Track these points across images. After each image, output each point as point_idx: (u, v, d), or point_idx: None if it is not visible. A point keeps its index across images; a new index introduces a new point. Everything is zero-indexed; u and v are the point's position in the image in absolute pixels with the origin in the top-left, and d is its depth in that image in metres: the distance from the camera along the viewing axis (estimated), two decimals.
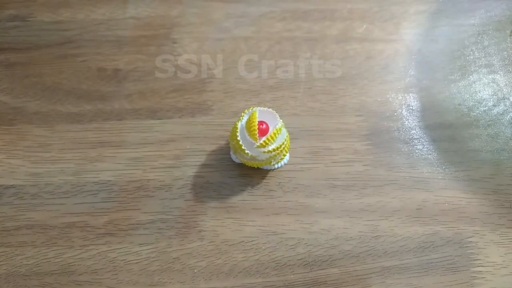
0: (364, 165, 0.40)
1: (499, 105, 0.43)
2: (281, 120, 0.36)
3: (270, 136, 0.35)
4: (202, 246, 0.38)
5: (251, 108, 0.37)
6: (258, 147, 0.35)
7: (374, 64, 0.44)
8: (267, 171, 0.40)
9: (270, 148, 0.35)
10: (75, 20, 0.46)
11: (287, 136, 0.37)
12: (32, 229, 0.38)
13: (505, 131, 0.42)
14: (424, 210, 0.39)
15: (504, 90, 0.43)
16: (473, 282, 0.36)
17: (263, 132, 0.36)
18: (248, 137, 0.35)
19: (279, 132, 0.35)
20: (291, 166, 0.40)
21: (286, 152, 0.38)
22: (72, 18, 0.47)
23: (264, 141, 0.35)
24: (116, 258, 0.37)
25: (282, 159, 0.38)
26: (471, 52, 0.45)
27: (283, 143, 0.36)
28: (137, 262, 0.37)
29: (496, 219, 0.38)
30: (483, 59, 0.45)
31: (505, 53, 0.45)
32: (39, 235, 0.38)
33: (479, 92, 0.43)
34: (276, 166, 0.39)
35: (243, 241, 0.38)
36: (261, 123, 0.36)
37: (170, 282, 0.37)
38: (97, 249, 0.38)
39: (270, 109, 0.37)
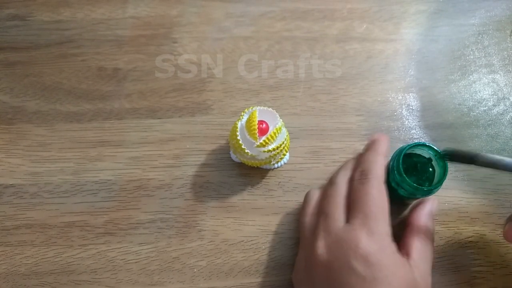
0: None
1: (499, 105, 0.43)
2: (281, 120, 0.36)
3: (270, 135, 0.35)
4: (201, 246, 0.38)
5: (251, 107, 0.37)
6: (258, 146, 0.35)
7: (374, 64, 0.44)
8: (267, 170, 0.40)
9: (270, 147, 0.35)
10: (74, 20, 0.46)
11: (287, 136, 0.37)
12: (32, 228, 0.38)
13: (505, 131, 0.42)
14: None
15: (504, 90, 0.43)
16: (473, 282, 0.36)
17: (263, 131, 0.36)
18: (248, 137, 0.35)
19: (279, 131, 0.35)
20: (291, 166, 0.40)
21: (286, 152, 0.38)
22: (71, 18, 0.47)
23: (264, 141, 0.35)
24: (115, 258, 0.37)
25: (282, 158, 0.38)
26: (471, 52, 0.45)
27: (283, 143, 0.36)
28: (136, 262, 0.37)
29: (496, 219, 0.38)
30: (483, 59, 0.45)
31: (505, 53, 0.45)
32: (38, 235, 0.38)
33: (479, 92, 0.43)
34: (276, 165, 0.39)
35: (242, 241, 0.38)
36: (261, 122, 0.36)
37: (170, 282, 0.37)
38: (96, 249, 0.38)
39: (270, 109, 0.37)
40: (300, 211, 0.36)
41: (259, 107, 0.37)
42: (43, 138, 0.41)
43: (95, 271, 0.37)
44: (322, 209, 0.32)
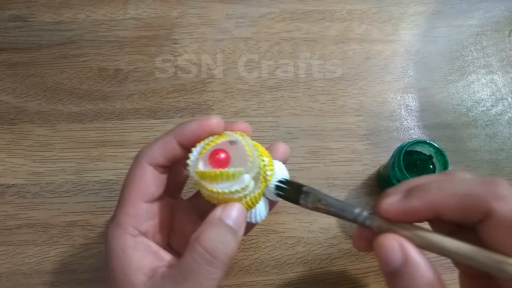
0: (363, 165, 0.41)
1: (497, 105, 0.43)
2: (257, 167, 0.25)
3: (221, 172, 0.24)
4: None
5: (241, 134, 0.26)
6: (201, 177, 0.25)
7: (373, 64, 0.45)
8: None
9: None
10: (76, 21, 0.47)
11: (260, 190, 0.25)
12: (34, 227, 0.39)
13: (503, 131, 0.42)
14: None
15: (503, 90, 0.44)
16: None
17: (221, 163, 0.25)
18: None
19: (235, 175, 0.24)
20: (291, 166, 0.40)
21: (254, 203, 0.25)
22: (73, 19, 0.47)
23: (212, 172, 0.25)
24: None
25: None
26: (469, 53, 0.45)
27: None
28: None
29: None
30: (481, 59, 0.45)
31: (504, 53, 0.45)
32: (40, 234, 0.39)
33: (477, 92, 0.44)
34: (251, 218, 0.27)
35: (243, 240, 0.38)
36: (222, 151, 0.25)
37: None
38: (98, 248, 0.38)
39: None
40: None
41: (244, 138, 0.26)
42: (45, 138, 0.42)
43: (97, 270, 0.37)
44: None
